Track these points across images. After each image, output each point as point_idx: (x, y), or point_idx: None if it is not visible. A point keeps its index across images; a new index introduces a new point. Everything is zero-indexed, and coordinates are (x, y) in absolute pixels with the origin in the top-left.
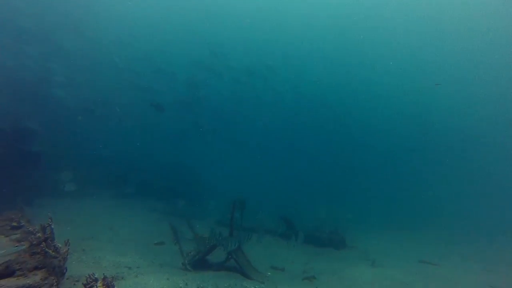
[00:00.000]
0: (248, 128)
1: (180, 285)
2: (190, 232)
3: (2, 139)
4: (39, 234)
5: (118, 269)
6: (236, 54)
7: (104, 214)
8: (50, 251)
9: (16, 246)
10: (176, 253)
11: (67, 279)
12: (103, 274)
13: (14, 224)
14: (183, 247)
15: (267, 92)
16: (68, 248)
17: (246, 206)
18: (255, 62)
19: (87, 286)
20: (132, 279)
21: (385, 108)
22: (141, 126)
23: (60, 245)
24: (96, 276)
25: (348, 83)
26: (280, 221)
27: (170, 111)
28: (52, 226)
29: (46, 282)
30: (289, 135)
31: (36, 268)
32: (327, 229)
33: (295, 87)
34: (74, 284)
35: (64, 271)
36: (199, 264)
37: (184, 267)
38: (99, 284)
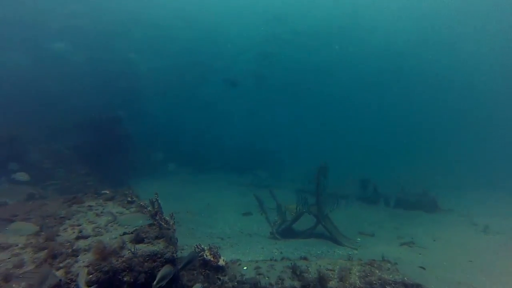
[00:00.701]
0: (324, 96)
1: (275, 252)
2: (274, 202)
3: (97, 126)
4: (149, 208)
5: (211, 239)
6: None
7: (191, 189)
8: (162, 223)
9: (148, 219)
10: (262, 222)
11: None
12: (209, 244)
13: (129, 199)
14: (269, 217)
15: (343, 59)
16: (174, 221)
17: (328, 173)
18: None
19: (198, 255)
20: (229, 248)
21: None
22: (218, 103)
23: (167, 218)
24: (202, 246)
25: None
26: (364, 185)
27: (243, 86)
28: (159, 201)
29: (168, 250)
30: (367, 98)
31: (157, 237)
32: (415, 191)
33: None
34: (181, 252)
35: (176, 241)
36: (287, 232)
37: (272, 236)
38: (206, 253)
